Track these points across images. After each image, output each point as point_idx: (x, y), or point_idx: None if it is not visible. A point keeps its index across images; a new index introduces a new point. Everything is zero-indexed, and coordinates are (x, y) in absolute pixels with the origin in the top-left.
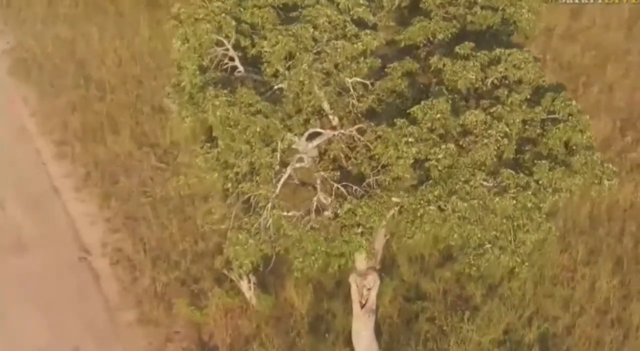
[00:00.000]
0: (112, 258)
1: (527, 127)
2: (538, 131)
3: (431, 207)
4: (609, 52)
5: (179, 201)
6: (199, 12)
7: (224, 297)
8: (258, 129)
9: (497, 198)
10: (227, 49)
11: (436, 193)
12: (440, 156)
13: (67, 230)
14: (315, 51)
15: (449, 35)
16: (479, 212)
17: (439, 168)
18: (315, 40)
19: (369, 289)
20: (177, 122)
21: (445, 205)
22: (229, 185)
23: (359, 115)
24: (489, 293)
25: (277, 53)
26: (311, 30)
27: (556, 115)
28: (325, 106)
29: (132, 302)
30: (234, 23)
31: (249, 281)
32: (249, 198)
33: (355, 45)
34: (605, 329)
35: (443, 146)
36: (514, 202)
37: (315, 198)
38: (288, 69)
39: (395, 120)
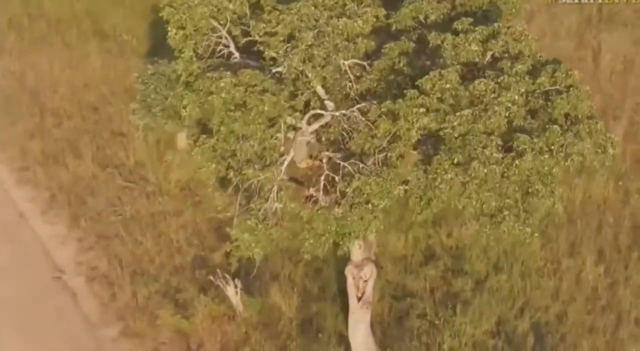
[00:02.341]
0: (88, 276)
1: (529, 99)
2: (541, 102)
3: (449, 175)
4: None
5: (150, 218)
6: None
7: (210, 304)
8: (266, 108)
9: (516, 161)
10: (220, 37)
11: (455, 160)
12: (455, 123)
13: (37, 252)
14: (316, 30)
15: (441, 16)
16: (496, 177)
17: (455, 135)
18: (316, 19)
19: (365, 281)
20: (143, 139)
21: (465, 171)
22: (231, 173)
23: (357, 97)
24: (477, 288)
25: (279, 33)
26: (312, 8)
27: (557, 87)
28: (320, 90)
29: (113, 317)
30: (231, 6)
31: (235, 287)
32: (248, 187)
33: (356, 23)
34: (597, 315)
35: (458, 113)
36: (532, 165)
37: (322, 178)
38: (286, 52)
39: (405, 91)
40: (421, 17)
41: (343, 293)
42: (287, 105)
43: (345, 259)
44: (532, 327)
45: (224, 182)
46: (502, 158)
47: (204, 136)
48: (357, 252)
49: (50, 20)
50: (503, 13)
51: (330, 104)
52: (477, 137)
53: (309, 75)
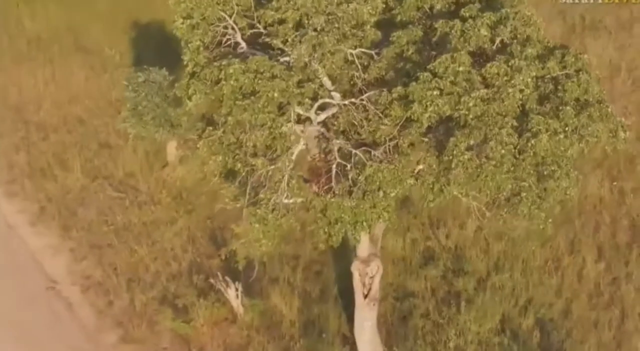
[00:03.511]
0: (83, 285)
1: (539, 84)
2: (551, 87)
3: (465, 156)
4: None
5: (143, 227)
6: None
7: (211, 308)
8: (275, 94)
9: (532, 141)
10: (227, 27)
11: (471, 141)
12: (471, 104)
13: (29, 263)
14: (327, 14)
15: (446, 6)
16: (512, 159)
17: (470, 117)
18: (326, 3)
19: (371, 277)
20: (133, 150)
21: (481, 153)
22: (238, 165)
23: (364, 87)
24: (479, 286)
25: (289, 18)
26: None
27: (567, 71)
28: (327, 82)
29: (111, 324)
30: None
31: (236, 290)
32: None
33: (365, 9)
34: (601, 311)
35: (473, 94)
36: (548, 146)
37: (334, 166)
38: (294, 40)
39: (418, 74)
40: (426, 7)
41: (344, 294)
42: (297, 92)
43: (344, 261)
44: (537, 323)
45: (229, 176)
46: (518, 138)
47: (210, 128)
48: (363, 247)
49: (31, 38)
50: (506, 2)
51: (336, 95)
52: (493, 118)
53: (315, 65)
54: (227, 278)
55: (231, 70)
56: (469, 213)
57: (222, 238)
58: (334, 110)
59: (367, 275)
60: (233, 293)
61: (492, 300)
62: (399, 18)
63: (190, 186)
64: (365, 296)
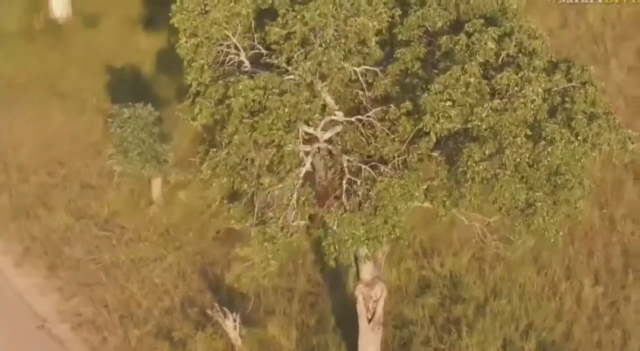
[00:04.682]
0: (74, 323)
1: (547, 97)
2: (558, 99)
3: (480, 166)
4: None
5: (132, 264)
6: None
7: (209, 340)
8: (286, 110)
9: (549, 148)
10: (230, 46)
11: (486, 151)
12: (484, 114)
13: (17, 303)
14: (335, 28)
15: (447, 23)
16: (527, 168)
17: (484, 127)
18: (334, 17)
19: (375, 301)
20: (117, 188)
21: (496, 163)
22: (245, 185)
23: (369, 105)
24: (478, 312)
25: (297, 32)
26: (330, 6)
27: (573, 83)
28: (330, 101)
29: None
30: (243, 11)
31: (234, 321)
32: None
33: (371, 24)
34: (602, 333)
35: (486, 104)
36: (563, 154)
37: (344, 181)
38: (299, 56)
39: (428, 86)
40: (427, 25)
41: (342, 324)
42: (306, 107)
43: (339, 292)
44: (540, 346)
45: (231, 199)
46: (533, 147)
47: (214, 149)
48: (367, 270)
49: (6, 83)
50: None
51: (340, 114)
52: (507, 128)
53: (318, 87)
54: (225, 309)
55: (240, 87)
56: (461, 243)
57: (212, 273)
58: (338, 129)
59: (371, 298)
60: (231, 324)
61: (492, 325)
62: (399, 37)
63: (177, 223)
64: (369, 321)
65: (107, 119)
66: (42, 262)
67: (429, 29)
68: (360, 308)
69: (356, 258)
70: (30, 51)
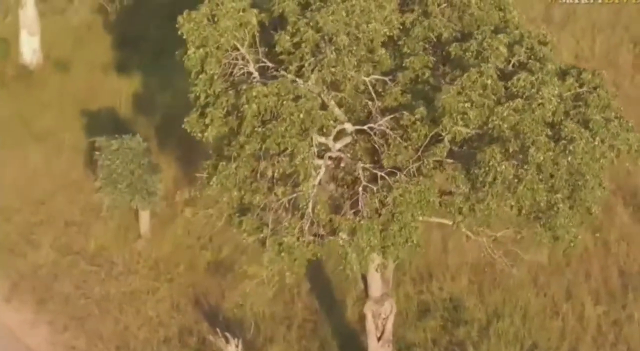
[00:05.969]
0: None
1: (560, 102)
2: (571, 104)
3: (502, 166)
4: None
5: (123, 296)
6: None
7: None
8: (302, 115)
9: (570, 146)
10: (236, 58)
11: (510, 149)
12: (505, 114)
13: (7, 338)
14: (347, 33)
15: (453, 34)
16: (550, 167)
17: (505, 126)
18: (346, 24)
19: (384, 318)
20: (104, 224)
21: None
22: (257, 197)
23: (378, 115)
24: (481, 335)
25: (310, 39)
26: (343, 13)
27: (585, 88)
28: (338, 112)
29: None
30: (254, 20)
31: (237, 346)
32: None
33: (383, 30)
34: (608, 350)
35: (506, 104)
36: (583, 153)
37: (360, 188)
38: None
39: (444, 87)
40: (433, 36)
41: (344, 349)
42: (321, 113)
43: (338, 319)
44: None
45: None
46: (554, 146)
47: (222, 163)
48: (375, 286)
49: None
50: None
51: (349, 126)
52: (529, 126)
53: (326, 99)
54: (227, 334)
55: (254, 93)
56: (457, 267)
57: (207, 304)
58: (348, 140)
59: (381, 316)
60: (233, 350)
61: (497, 346)
62: (405, 49)
63: (166, 256)
64: (379, 339)
65: (86, 158)
66: (30, 297)
67: (435, 40)
68: (370, 326)
69: (363, 276)
70: (3, 96)
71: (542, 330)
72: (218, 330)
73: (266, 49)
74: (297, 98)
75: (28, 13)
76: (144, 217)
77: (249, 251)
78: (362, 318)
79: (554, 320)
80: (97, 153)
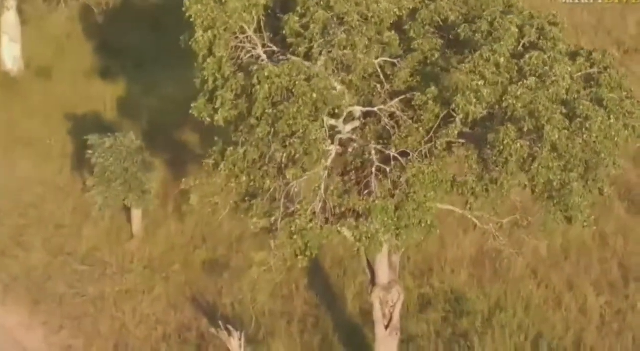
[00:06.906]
0: None
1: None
2: (582, 84)
3: (518, 144)
4: None
5: (118, 296)
6: None
7: None
8: (315, 95)
9: (587, 124)
10: (243, 41)
11: (525, 128)
12: (519, 92)
13: (3, 340)
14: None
15: (460, 18)
16: (565, 145)
17: (520, 105)
18: (357, 4)
19: (392, 305)
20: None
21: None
22: (267, 181)
23: (388, 98)
24: (484, 326)
25: (320, 20)
26: None
27: (595, 69)
28: (347, 98)
29: None
30: (262, 1)
31: (240, 339)
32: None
33: (394, 10)
34: (613, 339)
35: (520, 82)
36: (600, 131)
37: (373, 168)
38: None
39: (458, 65)
40: (440, 19)
41: (347, 342)
42: (334, 92)
43: (338, 314)
44: None
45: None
46: (570, 124)
47: (231, 148)
48: (383, 273)
49: None
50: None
51: (358, 109)
52: (543, 104)
53: (334, 84)
54: (230, 327)
55: (266, 73)
56: (457, 261)
57: (205, 301)
58: (357, 124)
59: (388, 303)
60: (236, 343)
61: (502, 336)
62: (411, 33)
63: (160, 255)
64: (387, 327)
65: (74, 162)
66: (24, 298)
67: (441, 23)
68: (377, 314)
69: (369, 263)
70: None
71: (545, 321)
72: (220, 323)
73: (271, 35)
74: (309, 78)
75: (9, 20)
76: (137, 216)
77: (245, 249)
78: (363, 311)
79: (557, 311)
80: (89, 152)
